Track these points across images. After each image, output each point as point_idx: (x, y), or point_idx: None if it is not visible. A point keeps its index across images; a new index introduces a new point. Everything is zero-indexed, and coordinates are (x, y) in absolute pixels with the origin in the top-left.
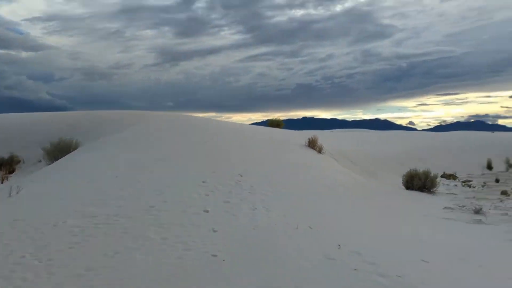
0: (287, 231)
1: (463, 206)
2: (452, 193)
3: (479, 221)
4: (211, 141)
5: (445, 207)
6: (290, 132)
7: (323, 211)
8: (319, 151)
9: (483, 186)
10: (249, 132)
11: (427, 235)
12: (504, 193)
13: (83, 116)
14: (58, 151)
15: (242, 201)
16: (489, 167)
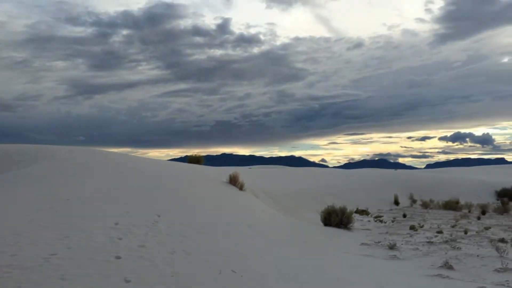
0: (210, 277)
1: (379, 242)
2: (367, 229)
3: (394, 257)
4: (126, 178)
5: (362, 243)
6: (210, 168)
7: (246, 252)
8: (241, 188)
9: (393, 221)
10: (167, 169)
11: (349, 273)
12: (412, 228)
13: None
14: None
15: (160, 244)
16: (396, 202)
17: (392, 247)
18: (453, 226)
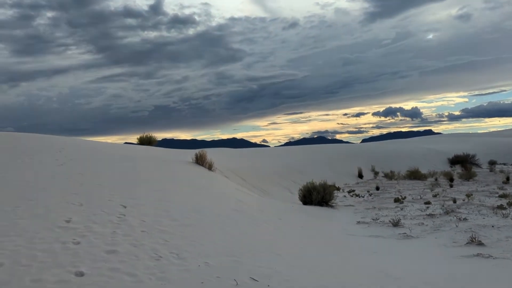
0: None
1: (377, 220)
2: (349, 205)
3: (406, 236)
4: (71, 163)
5: (358, 222)
6: (165, 150)
7: (252, 247)
8: (209, 168)
9: (370, 195)
10: (119, 150)
11: (380, 262)
12: (397, 200)
13: None
14: None
15: (137, 247)
16: (360, 175)
17: (396, 224)
18: (435, 196)
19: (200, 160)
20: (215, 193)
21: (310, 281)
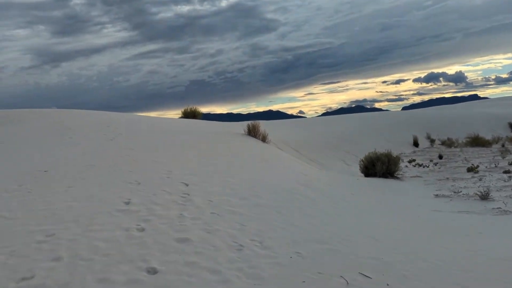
0: None
1: (459, 192)
2: (417, 176)
3: (503, 211)
4: (120, 138)
5: (436, 195)
6: (211, 122)
7: (341, 227)
8: (263, 139)
9: (435, 164)
10: (168, 124)
11: (503, 249)
12: (471, 169)
13: None
14: None
15: (211, 233)
16: (416, 144)
17: (484, 197)
18: (511, 164)
19: (253, 132)
20: (278, 166)
21: (440, 278)
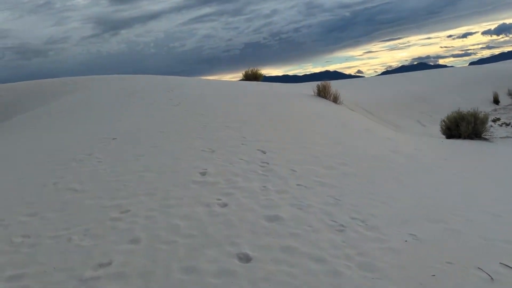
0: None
1: None
2: (507, 137)
3: None
4: (186, 103)
5: None
6: (273, 84)
7: (449, 201)
8: (335, 101)
9: None
10: (228, 87)
11: None
12: None
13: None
14: None
15: (302, 209)
16: (496, 101)
17: None
18: None
19: (323, 93)
20: (357, 130)
21: None
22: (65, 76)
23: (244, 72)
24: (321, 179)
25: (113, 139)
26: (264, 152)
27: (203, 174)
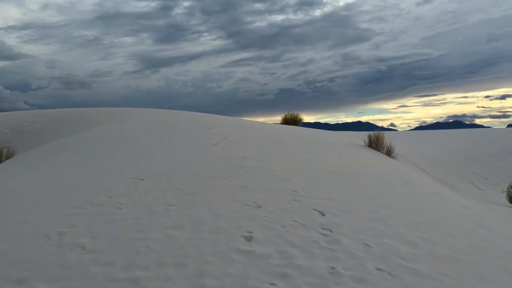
0: None
1: None
2: None
3: None
4: (226, 144)
5: None
6: (316, 131)
7: None
8: (389, 154)
9: None
10: (271, 130)
11: None
12: None
13: (35, 116)
14: None
15: None
16: None
17: None
18: None
19: (375, 144)
20: (425, 192)
21: None
22: (105, 107)
23: (283, 116)
24: (408, 263)
25: (141, 179)
26: (323, 214)
27: (249, 239)
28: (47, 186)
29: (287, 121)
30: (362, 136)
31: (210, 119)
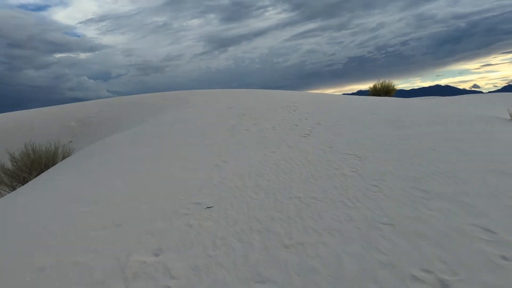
0: None
1: None
2: None
3: None
4: (319, 132)
5: None
6: (405, 100)
7: None
8: None
9: None
10: (363, 106)
11: None
12: None
13: (102, 105)
14: (22, 169)
15: None
16: None
17: None
18: None
19: None
20: None
21: None
22: (180, 90)
23: (372, 86)
24: None
25: (207, 207)
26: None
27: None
28: (70, 210)
29: (377, 91)
30: (456, 101)
31: (289, 97)
